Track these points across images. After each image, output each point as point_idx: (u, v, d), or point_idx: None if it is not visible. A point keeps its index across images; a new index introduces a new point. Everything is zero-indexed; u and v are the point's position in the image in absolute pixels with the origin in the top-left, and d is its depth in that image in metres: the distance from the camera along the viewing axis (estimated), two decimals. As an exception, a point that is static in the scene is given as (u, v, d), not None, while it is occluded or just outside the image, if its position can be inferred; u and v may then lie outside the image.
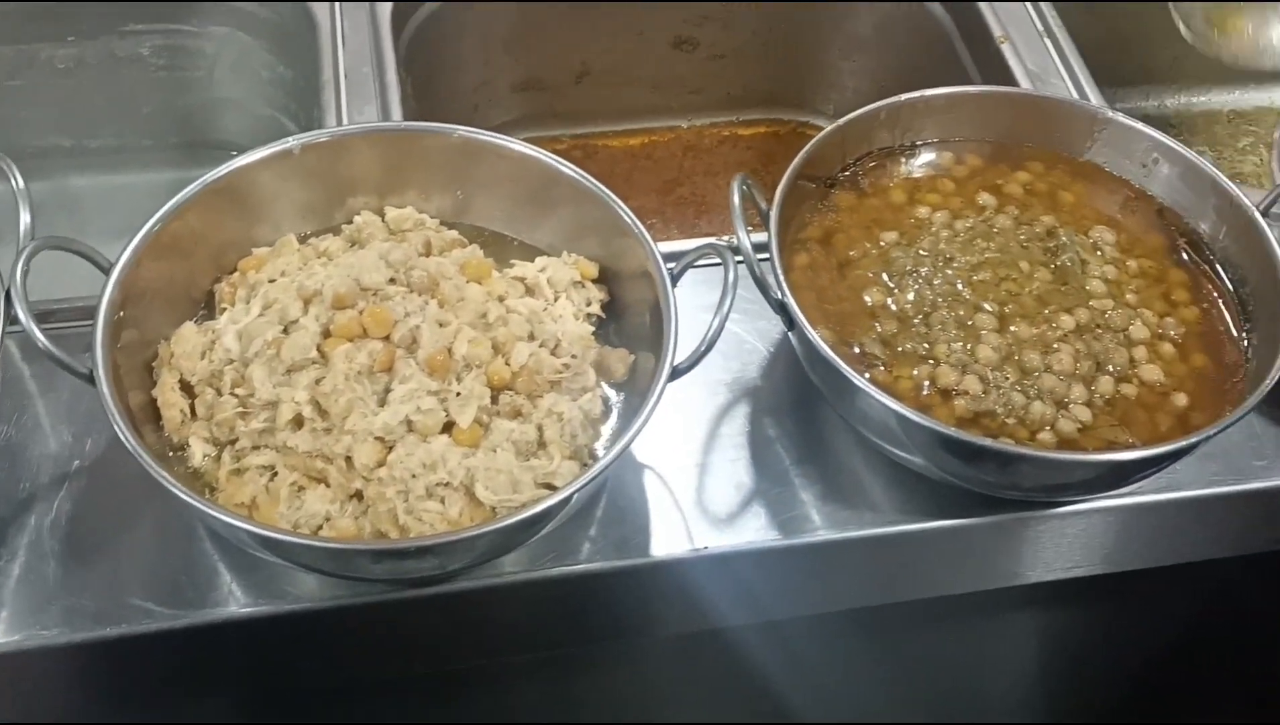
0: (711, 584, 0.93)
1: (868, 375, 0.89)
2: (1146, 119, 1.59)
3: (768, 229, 0.91)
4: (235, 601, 0.86)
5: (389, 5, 1.23)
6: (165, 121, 1.38)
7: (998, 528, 0.94)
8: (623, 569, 0.90)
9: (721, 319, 0.83)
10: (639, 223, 0.90)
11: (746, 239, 0.86)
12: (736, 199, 0.87)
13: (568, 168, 0.93)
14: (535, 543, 0.88)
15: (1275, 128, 1.01)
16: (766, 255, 0.89)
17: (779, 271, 0.88)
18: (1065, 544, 0.97)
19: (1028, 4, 1.29)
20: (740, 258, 0.86)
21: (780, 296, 0.87)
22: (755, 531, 0.92)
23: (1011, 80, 1.22)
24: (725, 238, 1.01)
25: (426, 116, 1.31)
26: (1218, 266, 0.97)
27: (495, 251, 0.97)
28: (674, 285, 0.87)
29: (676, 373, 0.83)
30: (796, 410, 0.98)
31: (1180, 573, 1.04)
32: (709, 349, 0.83)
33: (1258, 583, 1.16)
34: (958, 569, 0.98)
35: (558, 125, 1.50)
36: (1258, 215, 0.94)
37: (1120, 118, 1.01)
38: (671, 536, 0.91)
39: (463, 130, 0.95)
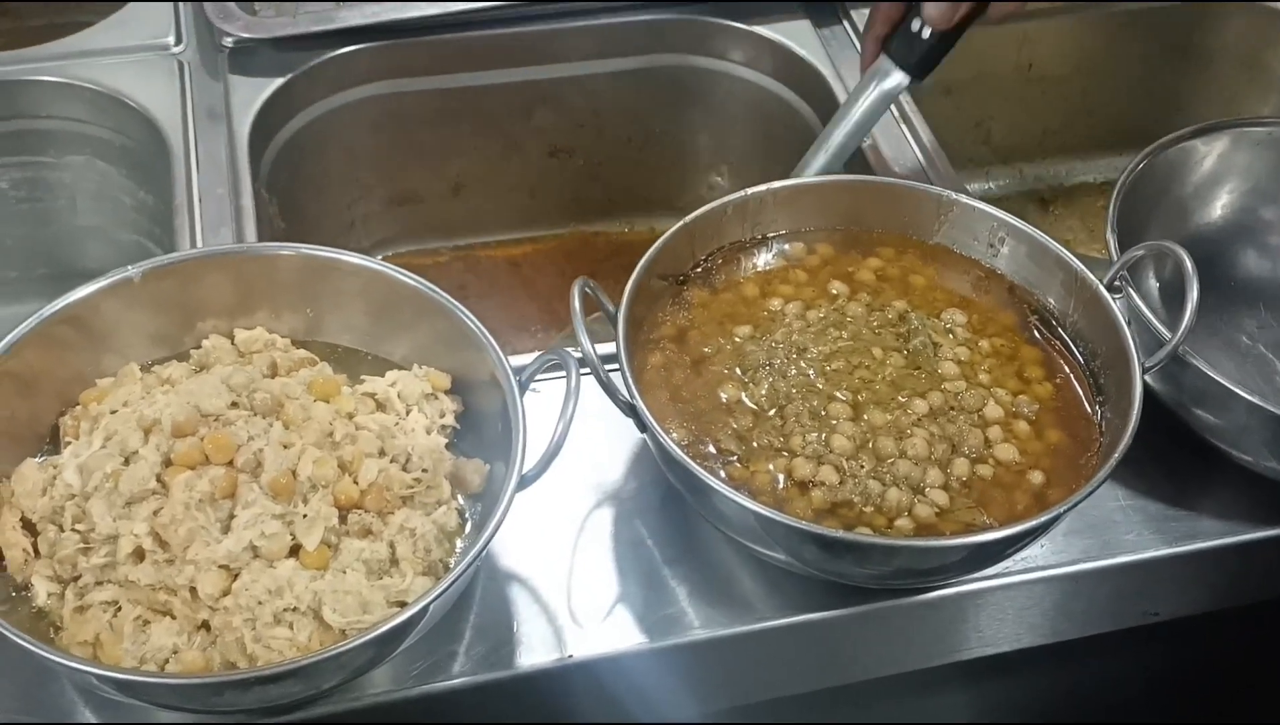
0: (584, 691, 0.92)
1: (723, 473, 0.90)
2: (1021, 195, 1.67)
3: (615, 331, 0.91)
4: (90, 746, 0.85)
5: (246, 126, 1.23)
6: (30, 253, 1.38)
7: (867, 617, 0.94)
8: (489, 683, 0.89)
9: (565, 425, 0.83)
10: (486, 333, 0.91)
11: (589, 344, 0.86)
12: (577, 303, 0.88)
13: (413, 280, 0.94)
14: (401, 659, 0.88)
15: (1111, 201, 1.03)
16: (617, 358, 0.90)
17: (628, 374, 0.89)
18: (938, 629, 0.98)
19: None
20: (584, 364, 0.86)
21: (629, 399, 0.88)
22: (626, 635, 0.92)
23: (869, 170, 1.25)
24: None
25: (296, 236, 1.30)
26: (1069, 341, 1.00)
27: (349, 367, 0.97)
28: (522, 394, 0.88)
29: (525, 481, 0.83)
30: (663, 509, 0.98)
31: (1063, 649, 1.05)
32: (554, 455, 0.83)
33: (1138, 656, 1.18)
34: (832, 660, 0.99)
35: (437, 238, 1.51)
36: (1103, 290, 0.96)
37: (964, 200, 1.04)
38: (541, 646, 0.91)
39: (305, 248, 0.95)
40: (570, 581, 0.94)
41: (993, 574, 0.95)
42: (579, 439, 0.95)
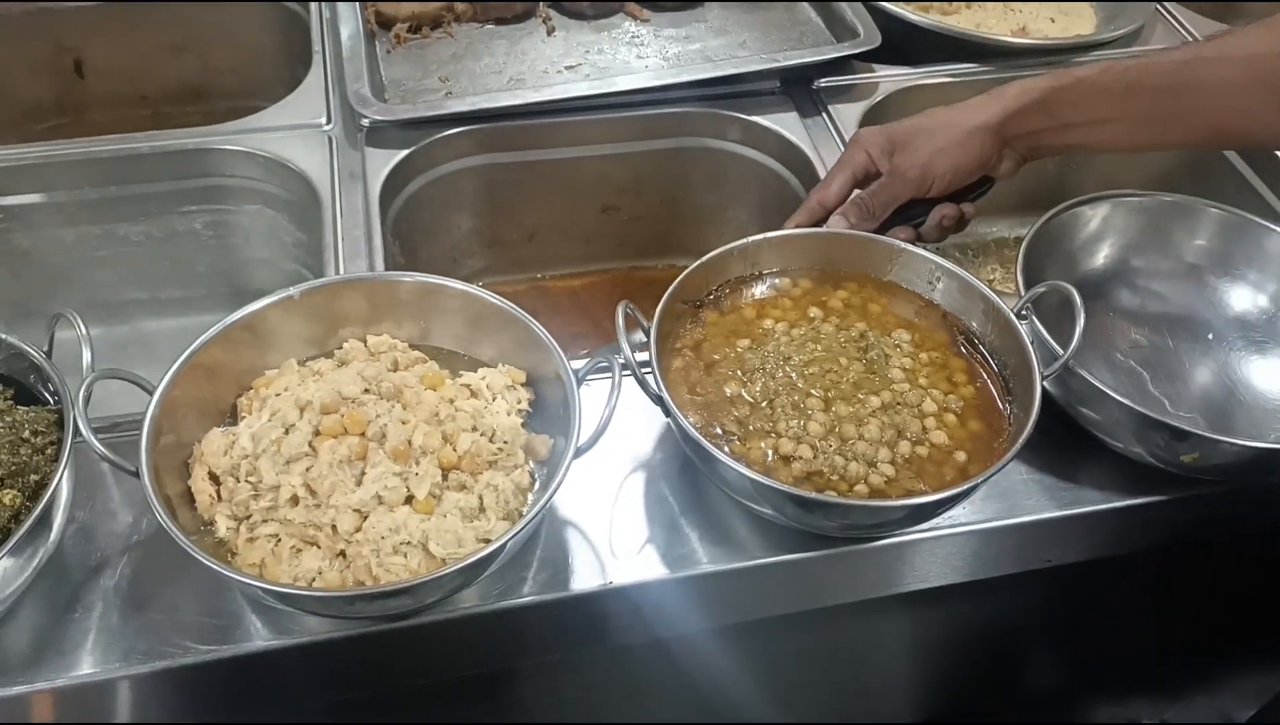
0: (620, 609, 0.93)
1: (726, 448, 0.90)
2: (952, 246, 1.67)
3: (648, 341, 0.92)
4: (255, 637, 0.86)
5: (378, 186, 1.24)
6: (217, 277, 1.39)
7: (832, 559, 0.94)
8: (550, 601, 0.90)
9: (610, 411, 0.84)
10: (552, 340, 0.92)
11: (629, 351, 0.87)
12: (620, 320, 0.89)
13: (498, 300, 0.94)
14: (486, 583, 0.89)
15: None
16: (649, 362, 0.91)
17: (657, 373, 0.90)
18: (884, 569, 0.98)
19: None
20: (625, 366, 0.87)
21: (658, 392, 0.89)
22: (651, 567, 0.92)
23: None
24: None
25: (412, 268, 1.33)
26: (987, 355, 0.99)
27: (451, 365, 0.98)
28: (579, 387, 0.88)
29: (579, 452, 0.84)
30: (681, 475, 0.99)
31: (979, 585, 1.05)
32: (602, 433, 0.84)
33: (1040, 592, 1.17)
34: (806, 590, 0.99)
35: (516, 272, 1.52)
36: (1012, 317, 0.96)
37: (911, 248, 1.04)
38: (588, 574, 0.91)
39: (421, 276, 0.96)
40: (611, 527, 0.95)
41: (926, 528, 0.95)
42: (620, 422, 0.96)
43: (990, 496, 0.98)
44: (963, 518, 0.97)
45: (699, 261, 1.02)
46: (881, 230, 1.07)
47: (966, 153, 1.03)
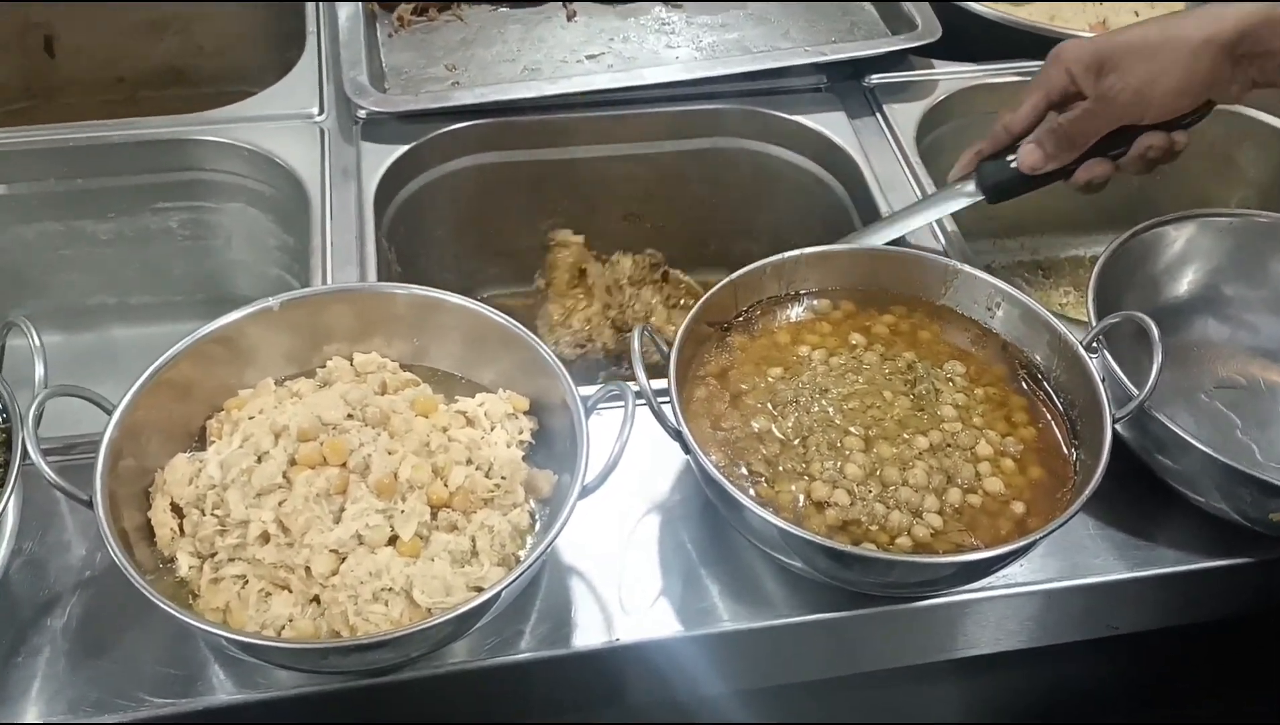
0: (628, 669, 0.92)
1: (752, 491, 0.90)
2: (1023, 264, 1.65)
3: (668, 368, 0.91)
4: (220, 690, 0.86)
5: (373, 185, 1.25)
6: (193, 282, 1.40)
7: (870, 619, 0.93)
8: (549, 658, 0.89)
9: (621, 446, 0.83)
10: (560, 364, 0.91)
11: (645, 379, 0.86)
12: (636, 345, 0.88)
13: (502, 318, 0.94)
14: (478, 635, 0.88)
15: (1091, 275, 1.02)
16: (668, 391, 0.90)
17: (676, 405, 0.89)
18: (929, 632, 0.96)
19: (909, 179, 1.31)
20: (640, 396, 0.86)
21: (676, 426, 0.88)
22: (665, 624, 0.91)
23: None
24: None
25: (410, 277, 1.33)
26: (1051, 392, 0.98)
27: (446, 388, 0.98)
28: (588, 418, 0.88)
29: (586, 491, 0.83)
30: (702, 519, 0.98)
31: (1036, 653, 1.03)
32: (611, 471, 0.83)
33: (1103, 662, 1.15)
34: (839, 654, 0.97)
35: (529, 283, 1.50)
36: (1081, 350, 0.95)
37: (968, 269, 1.03)
38: (593, 629, 0.90)
39: (413, 288, 0.96)
40: (621, 576, 0.94)
41: (978, 587, 0.94)
42: (635, 457, 0.95)
43: (1052, 553, 0.97)
44: (1020, 576, 0.95)
45: (728, 278, 1.01)
46: (1076, 164, 1.04)
47: (1192, 75, 0.95)
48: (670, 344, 0.93)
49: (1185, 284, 1.12)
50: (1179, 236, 1.10)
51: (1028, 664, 1.08)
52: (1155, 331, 0.90)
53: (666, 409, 0.89)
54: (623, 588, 0.93)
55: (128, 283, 1.38)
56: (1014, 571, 0.95)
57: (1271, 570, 0.99)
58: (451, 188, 1.36)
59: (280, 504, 0.82)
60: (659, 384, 0.90)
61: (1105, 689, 1.23)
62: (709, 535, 0.96)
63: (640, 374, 0.86)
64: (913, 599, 0.93)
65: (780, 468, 0.91)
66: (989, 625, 0.97)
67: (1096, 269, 1.02)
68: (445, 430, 0.90)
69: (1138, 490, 0.99)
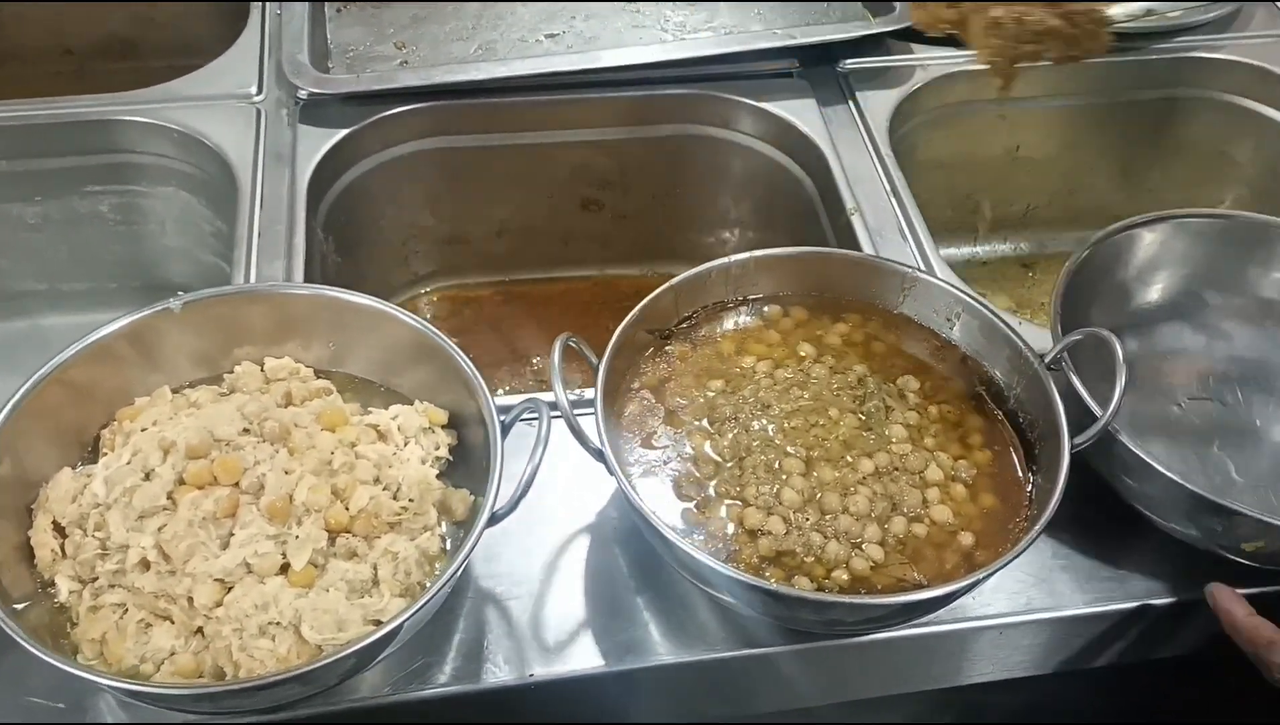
0: (543, 707, 0.87)
1: (683, 515, 0.84)
2: (1005, 260, 1.59)
3: (595, 382, 0.86)
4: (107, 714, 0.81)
5: (309, 171, 1.19)
6: (127, 268, 1.35)
7: (810, 654, 0.88)
8: (457, 695, 0.84)
9: (533, 469, 0.78)
10: (478, 376, 0.86)
11: (563, 394, 0.81)
12: (557, 357, 0.83)
13: (418, 323, 0.89)
14: (382, 669, 0.83)
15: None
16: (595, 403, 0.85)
17: (601, 421, 0.83)
18: (869, 668, 0.91)
19: (878, 172, 1.25)
20: (557, 412, 0.81)
21: (599, 445, 0.82)
22: (586, 657, 0.86)
23: (854, 240, 1.18)
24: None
25: (351, 269, 1.28)
26: (1011, 412, 0.92)
27: (364, 396, 0.93)
28: (504, 435, 0.82)
29: (496, 518, 0.78)
30: (630, 542, 0.93)
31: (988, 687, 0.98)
32: (522, 496, 0.78)
33: (1074, 696, 1.10)
34: (782, 691, 0.92)
35: (481, 273, 1.46)
36: (1042, 368, 0.89)
37: (925, 277, 0.97)
38: (507, 664, 0.85)
39: (324, 290, 0.91)
40: (543, 605, 0.89)
41: (925, 622, 0.88)
42: (564, 474, 0.91)
43: (1007, 584, 0.91)
44: (973, 609, 0.90)
45: (668, 283, 0.95)
46: None
47: None
48: (601, 355, 0.88)
49: (1158, 290, 1.06)
50: (1152, 239, 1.04)
51: (991, 692, 1.03)
52: (1119, 351, 0.84)
53: (591, 424, 0.83)
54: (544, 618, 0.88)
55: (58, 268, 1.33)
56: (966, 603, 0.90)
57: (1251, 604, 0.93)
58: (397, 174, 1.30)
59: (161, 528, 0.77)
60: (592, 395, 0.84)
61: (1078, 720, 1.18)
62: (642, 560, 0.91)
63: (558, 388, 0.81)
64: (852, 635, 0.87)
65: (713, 491, 0.86)
66: (936, 661, 0.92)
67: (1061, 278, 0.96)
68: (354, 446, 0.85)
69: (1105, 513, 0.94)
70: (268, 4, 1.37)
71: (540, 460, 0.78)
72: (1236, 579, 0.92)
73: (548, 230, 1.43)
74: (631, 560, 0.91)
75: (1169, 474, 0.85)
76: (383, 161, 1.29)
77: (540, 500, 0.83)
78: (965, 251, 1.57)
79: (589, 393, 0.87)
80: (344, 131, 1.24)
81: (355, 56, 1.32)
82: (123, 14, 1.59)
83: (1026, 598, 0.91)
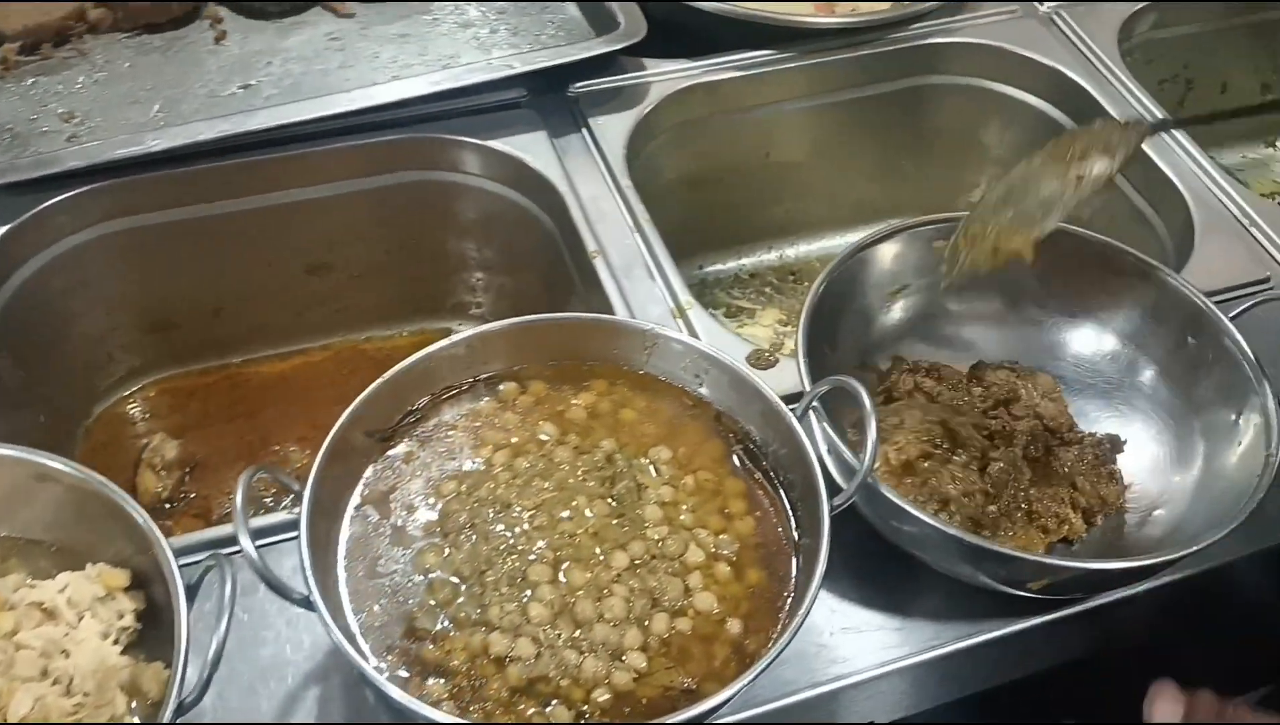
0: None
1: (418, 656, 0.75)
2: (774, 270, 1.55)
3: (299, 516, 0.75)
4: None
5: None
6: None
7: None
8: None
9: (219, 643, 0.67)
10: (152, 523, 0.74)
11: (250, 546, 0.70)
12: (240, 499, 0.71)
13: (77, 472, 0.76)
14: None
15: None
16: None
17: (308, 562, 0.73)
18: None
19: (619, 206, 1.17)
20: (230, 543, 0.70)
21: (306, 592, 0.72)
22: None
23: (599, 283, 1.10)
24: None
25: (39, 381, 1.14)
26: (770, 471, 0.86)
27: (30, 560, 0.80)
28: (190, 598, 0.71)
29: (184, 707, 0.67)
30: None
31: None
32: (210, 677, 0.67)
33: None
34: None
35: (202, 359, 1.32)
36: (795, 422, 0.83)
37: (668, 333, 0.90)
38: None
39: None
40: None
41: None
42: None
43: (785, 660, 0.85)
44: (761, 693, 0.84)
45: (384, 376, 0.85)
46: None
47: None
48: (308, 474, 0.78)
49: (899, 310, 1.03)
50: (887, 256, 1.00)
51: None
52: (867, 402, 0.78)
53: (295, 565, 0.73)
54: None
55: None
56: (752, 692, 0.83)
57: (1049, 632, 0.90)
58: (80, 266, 1.16)
59: None
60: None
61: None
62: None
63: (244, 539, 0.70)
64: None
65: (451, 620, 0.77)
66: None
67: (803, 317, 0.91)
68: (13, 635, 0.72)
69: (881, 563, 0.90)
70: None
71: (227, 631, 0.67)
72: (1031, 610, 0.89)
73: (273, 302, 1.31)
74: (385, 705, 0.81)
75: (938, 525, 0.81)
76: (59, 254, 1.15)
77: (259, 647, 0.72)
78: (731, 266, 1.52)
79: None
80: (4, 227, 1.09)
81: (16, 135, 1.17)
82: None
83: (808, 668, 0.85)
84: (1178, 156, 1.25)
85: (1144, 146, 1.24)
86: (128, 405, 1.29)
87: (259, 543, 0.82)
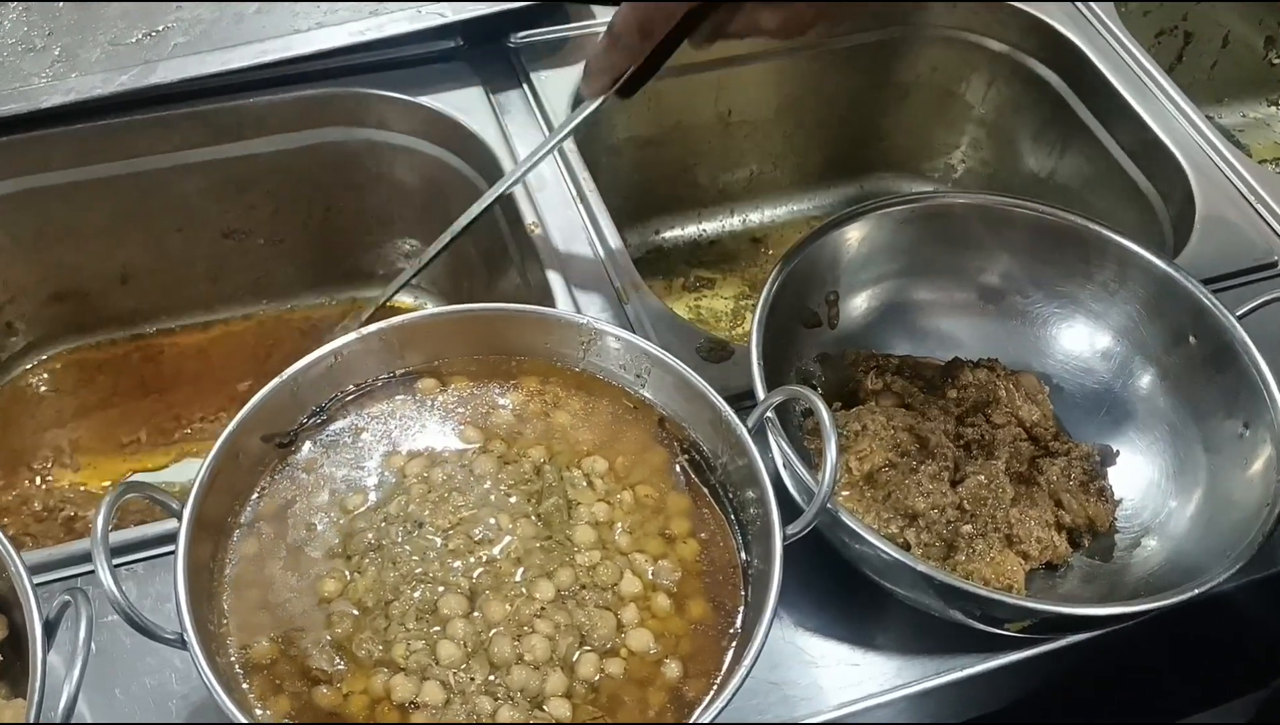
0: None
1: (313, 699, 0.67)
2: (735, 235, 1.46)
3: (176, 543, 0.68)
4: None
5: None
6: None
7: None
8: None
9: (72, 691, 0.59)
10: (13, 551, 0.66)
11: (111, 583, 0.62)
12: (100, 524, 0.64)
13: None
14: None
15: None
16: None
17: (183, 594, 0.65)
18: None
19: (562, 172, 1.09)
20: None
21: (181, 630, 0.64)
22: None
23: (538, 258, 1.02)
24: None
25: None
26: (719, 487, 0.79)
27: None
28: (50, 637, 0.63)
29: (34, 770, 0.59)
30: None
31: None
32: (68, 719, 0.59)
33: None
34: None
35: (110, 329, 1.24)
36: (746, 434, 0.76)
37: (605, 328, 0.82)
38: None
39: None
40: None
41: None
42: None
43: (748, 689, 0.78)
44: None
45: (285, 373, 0.77)
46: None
47: None
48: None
49: (867, 297, 0.95)
50: (853, 237, 0.92)
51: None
52: (827, 417, 0.71)
53: (179, 603, 0.65)
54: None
55: None
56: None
57: (1022, 668, 0.83)
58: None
59: None
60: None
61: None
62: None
63: (105, 575, 0.62)
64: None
65: (352, 657, 0.70)
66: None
67: (759, 308, 0.83)
68: None
69: (844, 588, 0.83)
70: None
71: (80, 678, 0.60)
72: (1002, 646, 0.83)
73: (187, 269, 1.22)
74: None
75: (907, 563, 0.74)
76: (-56, 219, 1.05)
77: (141, 677, 0.65)
78: (691, 232, 1.44)
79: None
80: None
81: (-106, 88, 1.07)
82: None
83: (764, 701, 0.79)
84: (1174, 120, 1.17)
85: (1135, 107, 1.19)
86: (28, 378, 1.21)
87: (138, 556, 0.77)
